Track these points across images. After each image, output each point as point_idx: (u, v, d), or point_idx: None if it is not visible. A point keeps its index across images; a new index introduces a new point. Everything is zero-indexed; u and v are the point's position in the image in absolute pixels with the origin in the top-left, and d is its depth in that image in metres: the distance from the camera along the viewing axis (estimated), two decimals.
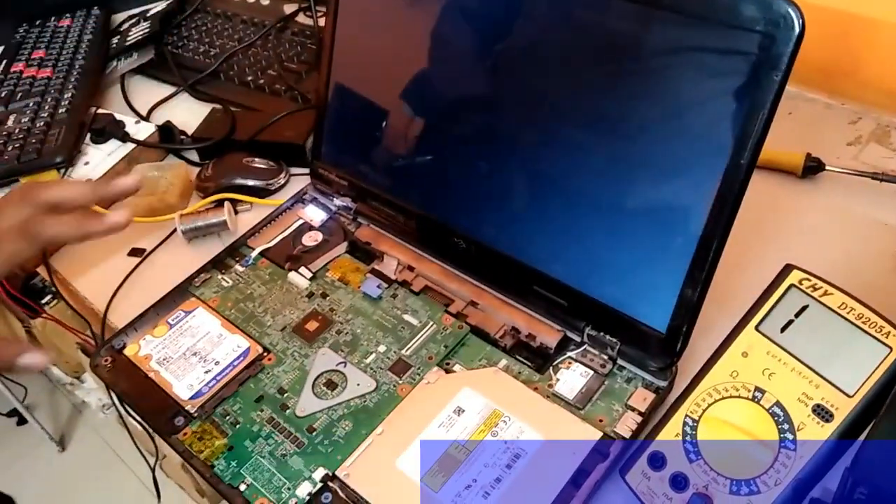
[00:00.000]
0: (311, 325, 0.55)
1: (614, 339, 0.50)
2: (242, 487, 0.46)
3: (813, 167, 0.64)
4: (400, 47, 0.58)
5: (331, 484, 0.46)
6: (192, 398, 0.50)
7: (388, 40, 0.58)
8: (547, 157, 0.50)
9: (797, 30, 0.38)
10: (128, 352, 0.54)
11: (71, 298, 0.66)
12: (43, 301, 1.25)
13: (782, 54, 0.39)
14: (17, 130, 0.72)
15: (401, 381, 0.51)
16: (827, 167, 0.64)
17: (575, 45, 0.48)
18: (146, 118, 0.79)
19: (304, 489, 0.45)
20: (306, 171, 0.68)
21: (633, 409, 0.48)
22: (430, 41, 0.56)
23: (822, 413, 0.38)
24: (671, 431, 0.43)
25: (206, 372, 0.52)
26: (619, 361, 0.50)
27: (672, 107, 0.44)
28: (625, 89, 0.46)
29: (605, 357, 0.50)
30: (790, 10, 0.38)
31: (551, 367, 0.51)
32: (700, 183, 0.43)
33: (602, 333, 0.50)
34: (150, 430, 0.55)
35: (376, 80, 0.60)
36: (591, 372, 0.50)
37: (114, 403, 0.73)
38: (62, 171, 0.68)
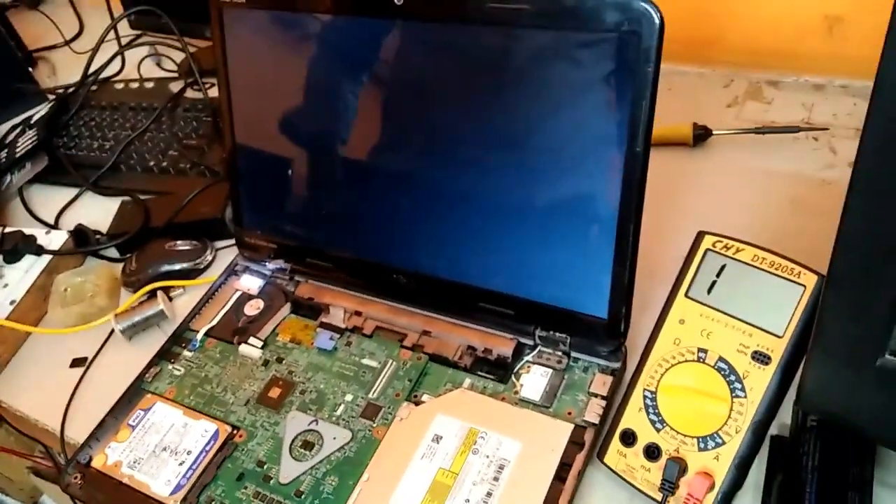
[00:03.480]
0: (274, 392, 0.55)
1: (563, 335, 0.52)
2: None
3: (701, 135, 0.69)
4: (294, 101, 0.59)
5: None
6: (172, 493, 0.50)
7: (281, 98, 0.60)
8: (460, 180, 0.52)
9: (657, 23, 0.42)
10: (96, 463, 0.53)
11: (19, 424, 0.64)
12: None
13: (650, 47, 0.42)
14: None
15: (375, 425, 0.52)
16: (714, 132, 0.70)
17: (461, 72, 0.50)
18: (55, 226, 0.78)
19: None
20: (232, 242, 0.68)
21: (596, 395, 0.51)
22: (321, 89, 0.57)
23: (761, 357, 0.42)
24: (634, 407, 0.46)
25: (181, 464, 0.52)
26: (573, 354, 0.53)
27: (563, 113, 0.47)
28: (516, 105, 0.49)
29: (560, 353, 0.53)
30: (647, 7, 0.42)
31: (513, 375, 0.53)
32: (605, 176, 0.46)
33: (551, 332, 0.53)
34: None
35: (280, 138, 0.61)
36: (550, 370, 0.53)
37: None
38: None
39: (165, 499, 0.50)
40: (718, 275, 0.45)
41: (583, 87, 0.46)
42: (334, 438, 0.51)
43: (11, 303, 0.66)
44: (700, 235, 0.46)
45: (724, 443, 0.42)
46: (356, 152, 0.58)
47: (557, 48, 0.46)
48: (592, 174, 0.47)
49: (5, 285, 0.68)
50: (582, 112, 0.46)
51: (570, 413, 0.50)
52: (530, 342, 0.54)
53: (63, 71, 1.07)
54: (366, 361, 0.56)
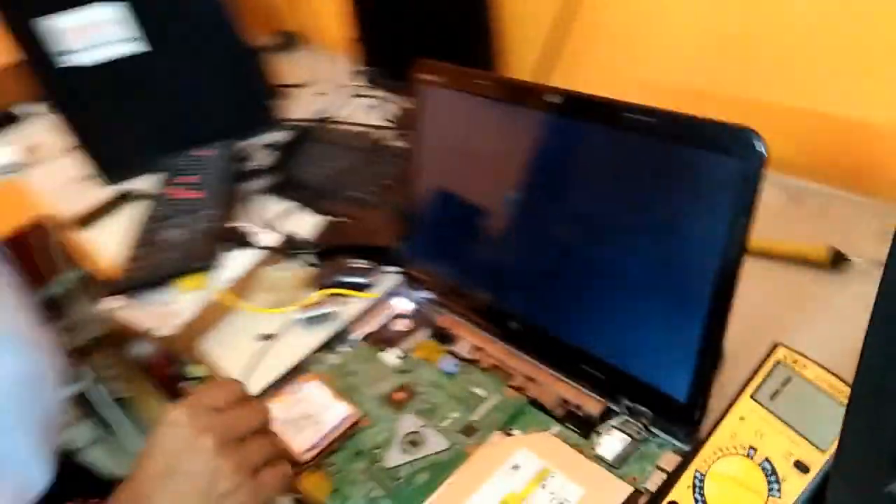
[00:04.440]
0: (399, 396, 0.68)
1: (647, 410, 0.59)
2: None
3: (836, 259, 0.72)
4: (468, 167, 0.73)
5: None
6: (305, 451, 0.64)
7: (458, 161, 0.73)
8: (589, 258, 0.62)
9: (762, 153, 0.49)
10: None
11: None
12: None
13: (753, 173, 0.49)
14: (175, 241, 0.92)
15: (469, 442, 0.62)
16: (853, 259, 0.72)
17: (597, 166, 0.61)
18: (272, 229, 0.98)
19: None
20: (397, 269, 0.83)
21: (661, 470, 0.57)
22: (488, 161, 0.70)
23: (801, 466, 0.47)
24: (684, 484, 0.52)
25: (317, 431, 0.66)
26: (652, 429, 0.60)
27: (674, 213, 0.55)
28: (636, 198, 0.58)
29: (641, 425, 0.60)
30: (755, 139, 0.49)
31: (595, 433, 0.61)
32: (702, 278, 0.54)
33: (637, 405, 0.60)
34: None
35: (450, 194, 0.75)
36: (629, 438, 0.60)
37: None
38: (207, 273, 0.86)
39: (299, 453, 0.64)
40: (784, 385, 0.50)
41: (692, 195, 0.54)
42: (435, 443, 0.62)
43: (230, 281, 0.86)
44: (775, 347, 0.52)
45: None
46: (507, 218, 0.69)
47: (676, 158, 0.54)
48: (692, 274, 0.55)
49: (226, 267, 0.88)
50: (689, 216, 0.54)
51: (634, 479, 0.57)
52: (617, 408, 0.62)
53: (297, 106, 1.30)
54: (476, 390, 0.67)
